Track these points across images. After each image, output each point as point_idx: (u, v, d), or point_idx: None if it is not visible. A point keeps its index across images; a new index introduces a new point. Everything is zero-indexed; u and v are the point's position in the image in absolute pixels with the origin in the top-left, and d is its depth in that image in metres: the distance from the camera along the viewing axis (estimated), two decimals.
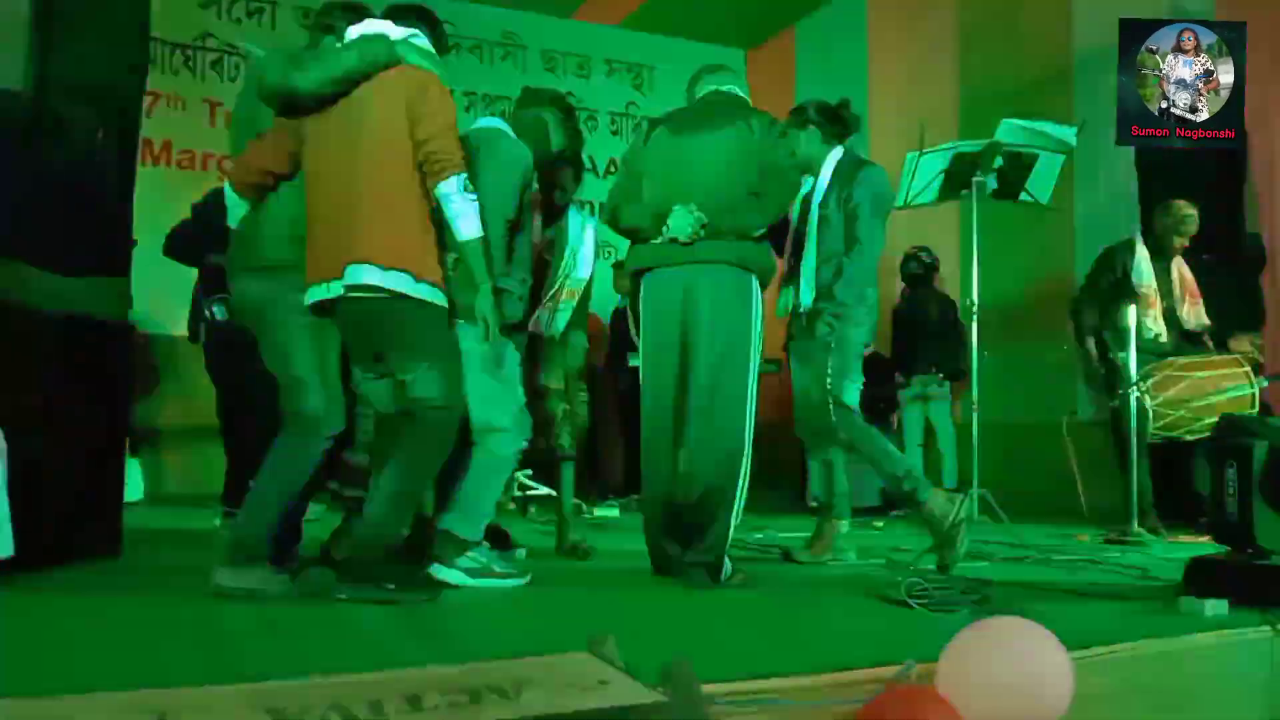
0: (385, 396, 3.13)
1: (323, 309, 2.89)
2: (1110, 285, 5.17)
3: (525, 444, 3.34)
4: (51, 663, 1.97)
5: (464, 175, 2.83)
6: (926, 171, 3.91)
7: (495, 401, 3.22)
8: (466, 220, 2.83)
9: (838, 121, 4.02)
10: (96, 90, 3.54)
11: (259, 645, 2.25)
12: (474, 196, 2.84)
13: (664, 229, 3.34)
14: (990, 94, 6.82)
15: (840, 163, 3.92)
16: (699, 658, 1.53)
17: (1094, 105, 5.96)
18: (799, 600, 3.04)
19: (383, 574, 2.78)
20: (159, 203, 5.37)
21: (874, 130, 7.73)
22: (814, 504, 4.26)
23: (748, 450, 3.34)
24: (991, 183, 3.92)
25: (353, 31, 2.94)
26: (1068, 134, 3.90)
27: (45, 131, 3.36)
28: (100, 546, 3.56)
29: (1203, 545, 3.62)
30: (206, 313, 4.77)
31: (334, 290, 2.81)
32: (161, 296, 5.87)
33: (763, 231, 3.43)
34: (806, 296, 3.84)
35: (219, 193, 5.10)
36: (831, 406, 3.76)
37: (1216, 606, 2.58)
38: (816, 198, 3.89)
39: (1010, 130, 3.91)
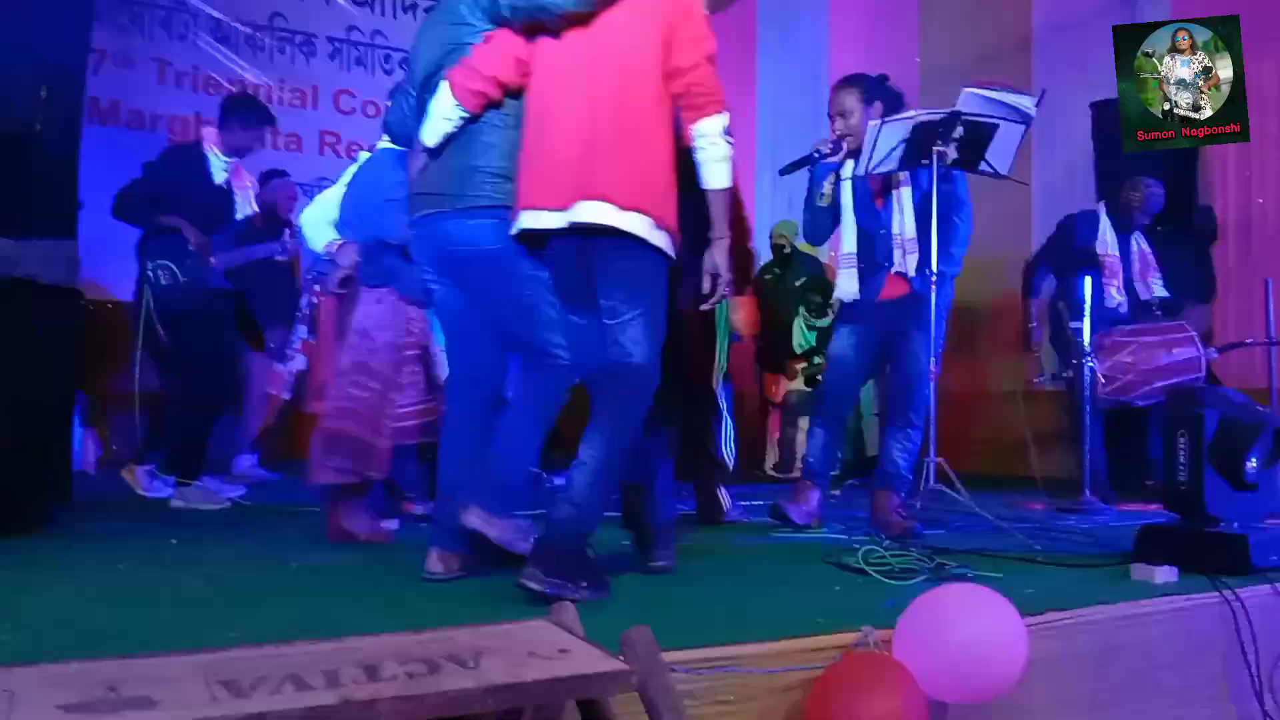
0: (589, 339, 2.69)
1: (529, 239, 2.60)
2: (1069, 254, 5.22)
3: None
4: None
5: (726, 115, 2.52)
6: (888, 141, 3.88)
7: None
8: (721, 167, 2.53)
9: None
10: (38, 48, 3.44)
11: (211, 614, 2.22)
12: (732, 140, 2.55)
13: None
14: (951, 63, 6.83)
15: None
16: (659, 625, 1.53)
17: (1053, 75, 5.99)
18: (757, 568, 3.05)
19: (579, 571, 2.38)
20: (108, 163, 5.23)
21: None
22: (801, 468, 4.29)
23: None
24: (952, 152, 3.90)
25: None
26: (1027, 103, 3.90)
27: None
28: (49, 515, 3.50)
29: (1154, 513, 3.69)
30: (151, 276, 4.63)
31: (552, 221, 2.50)
32: (110, 260, 5.72)
33: None
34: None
35: (175, 151, 5.00)
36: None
37: (1167, 573, 2.63)
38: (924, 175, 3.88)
39: (970, 99, 3.90)
